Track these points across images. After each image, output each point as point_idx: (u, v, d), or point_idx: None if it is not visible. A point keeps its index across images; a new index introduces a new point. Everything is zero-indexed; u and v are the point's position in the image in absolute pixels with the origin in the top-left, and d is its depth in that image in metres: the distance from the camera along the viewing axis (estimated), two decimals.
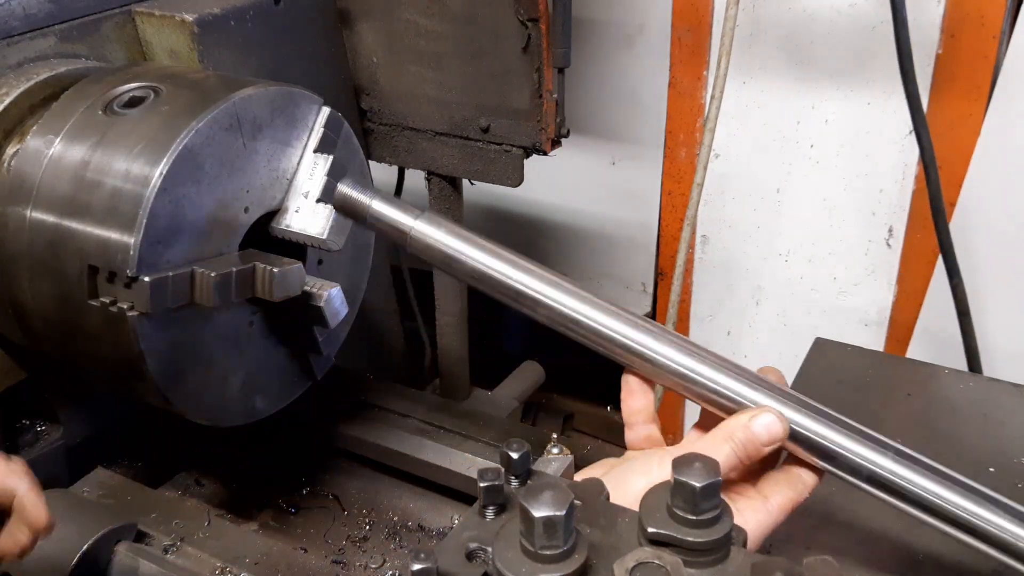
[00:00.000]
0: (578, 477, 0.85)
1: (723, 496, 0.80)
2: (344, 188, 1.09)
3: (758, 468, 0.88)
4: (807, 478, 0.86)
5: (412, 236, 1.03)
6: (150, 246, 1.00)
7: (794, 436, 0.85)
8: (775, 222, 2.01)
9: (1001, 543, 0.82)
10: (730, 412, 0.87)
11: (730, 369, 0.90)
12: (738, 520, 0.81)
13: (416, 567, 0.61)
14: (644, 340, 0.91)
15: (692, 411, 2.31)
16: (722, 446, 0.81)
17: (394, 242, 1.06)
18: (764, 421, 0.81)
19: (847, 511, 1.00)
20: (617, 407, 0.94)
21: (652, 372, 0.91)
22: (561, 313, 0.95)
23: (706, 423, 0.89)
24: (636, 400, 0.89)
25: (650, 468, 0.81)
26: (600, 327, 0.93)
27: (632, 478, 0.81)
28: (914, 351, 1.91)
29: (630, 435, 0.90)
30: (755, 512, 0.84)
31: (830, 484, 1.03)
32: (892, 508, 0.85)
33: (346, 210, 1.08)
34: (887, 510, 0.99)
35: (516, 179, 1.54)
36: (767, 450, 0.81)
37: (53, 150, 1.07)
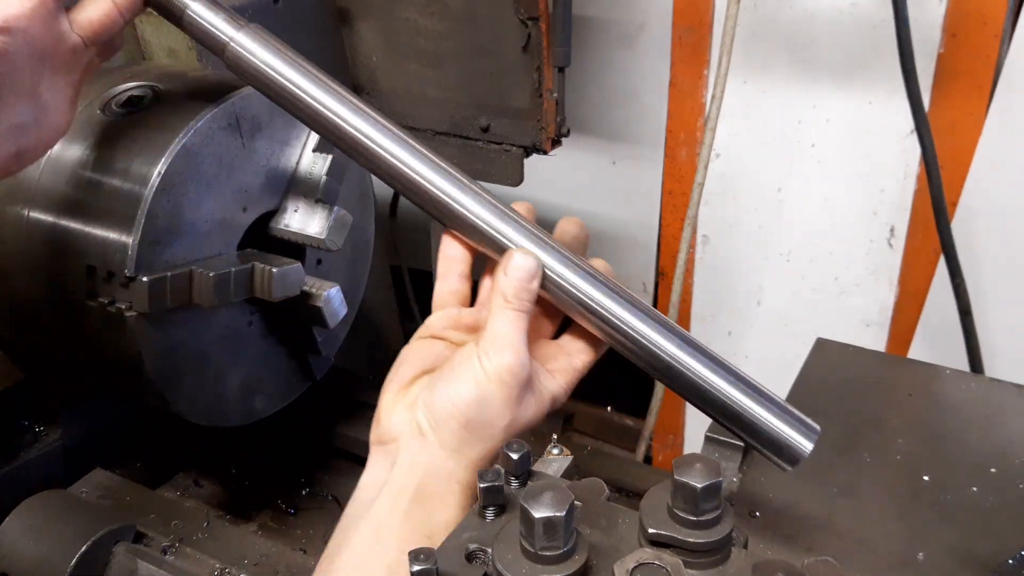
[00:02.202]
0: (392, 395, 0.85)
1: (536, 366, 0.84)
2: None
3: (552, 316, 0.90)
4: (589, 338, 0.88)
5: (231, 49, 0.90)
6: (148, 246, 1.00)
7: (551, 283, 0.85)
8: (776, 222, 2.00)
9: (746, 423, 0.83)
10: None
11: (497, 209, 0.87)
12: (554, 385, 0.85)
13: (416, 568, 0.61)
14: (464, 200, 0.87)
15: (692, 411, 2.30)
16: (505, 312, 0.81)
17: (212, 52, 0.92)
18: (515, 264, 0.82)
19: (848, 512, 0.99)
20: (617, 407, 0.94)
21: (470, 236, 0.88)
22: (383, 160, 0.88)
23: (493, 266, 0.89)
24: (455, 250, 0.88)
25: (473, 371, 0.80)
26: (423, 182, 0.88)
27: (453, 385, 0.81)
28: (916, 351, 1.91)
29: (441, 286, 0.89)
30: (564, 373, 0.87)
31: (831, 485, 1.03)
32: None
33: (160, 7, 0.91)
34: (887, 510, 0.99)
35: (516, 179, 1.54)
36: (534, 286, 0.82)
37: (52, 150, 1.06)
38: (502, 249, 0.86)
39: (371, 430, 0.86)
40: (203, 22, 0.91)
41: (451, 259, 0.89)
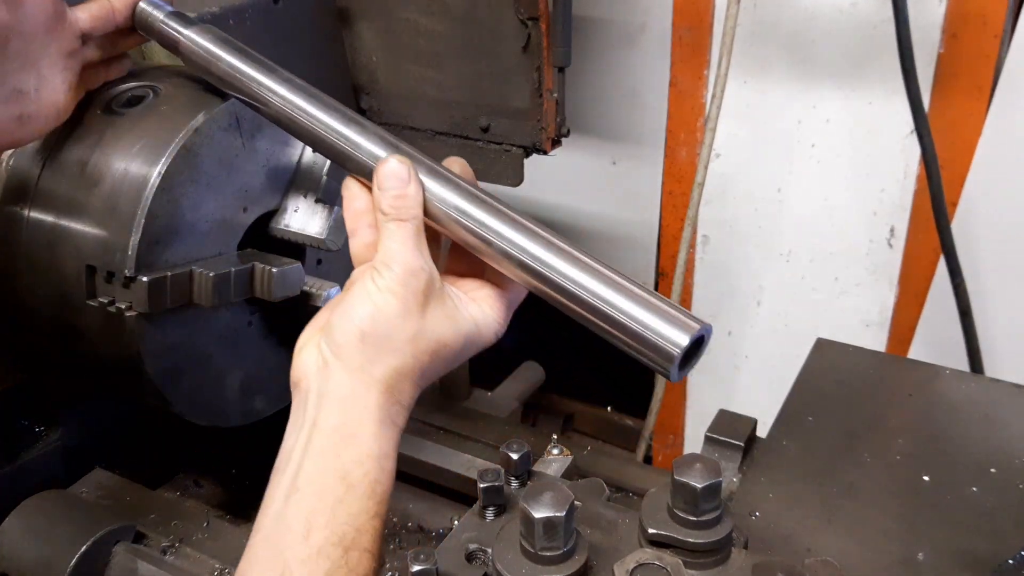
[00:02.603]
0: (306, 333, 0.83)
1: (452, 288, 0.82)
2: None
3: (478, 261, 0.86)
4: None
5: (183, 44, 1.00)
6: (148, 246, 1.00)
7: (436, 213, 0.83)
8: (776, 222, 2.00)
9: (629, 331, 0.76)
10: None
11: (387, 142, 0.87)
12: (476, 310, 0.81)
13: (416, 568, 0.61)
14: (358, 139, 0.87)
15: (692, 411, 2.30)
16: (387, 226, 0.80)
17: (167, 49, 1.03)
18: (386, 171, 0.81)
19: (848, 512, 0.99)
20: (617, 407, 0.93)
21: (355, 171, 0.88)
22: (274, 105, 0.94)
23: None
24: (360, 202, 0.85)
25: (365, 287, 0.79)
26: (318, 128, 0.90)
27: (348, 306, 0.79)
28: (916, 351, 1.91)
29: (354, 243, 0.86)
30: (492, 300, 0.84)
31: (831, 485, 1.03)
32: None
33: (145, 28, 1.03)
34: (887, 510, 0.99)
35: (516, 179, 1.53)
36: (411, 190, 0.80)
37: (51, 149, 1.06)
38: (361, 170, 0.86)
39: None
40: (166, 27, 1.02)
41: (358, 212, 0.85)
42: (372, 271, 0.79)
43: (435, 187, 0.83)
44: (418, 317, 0.78)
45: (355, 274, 0.83)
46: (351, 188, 0.87)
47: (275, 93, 0.94)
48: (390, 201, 0.80)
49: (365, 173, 0.86)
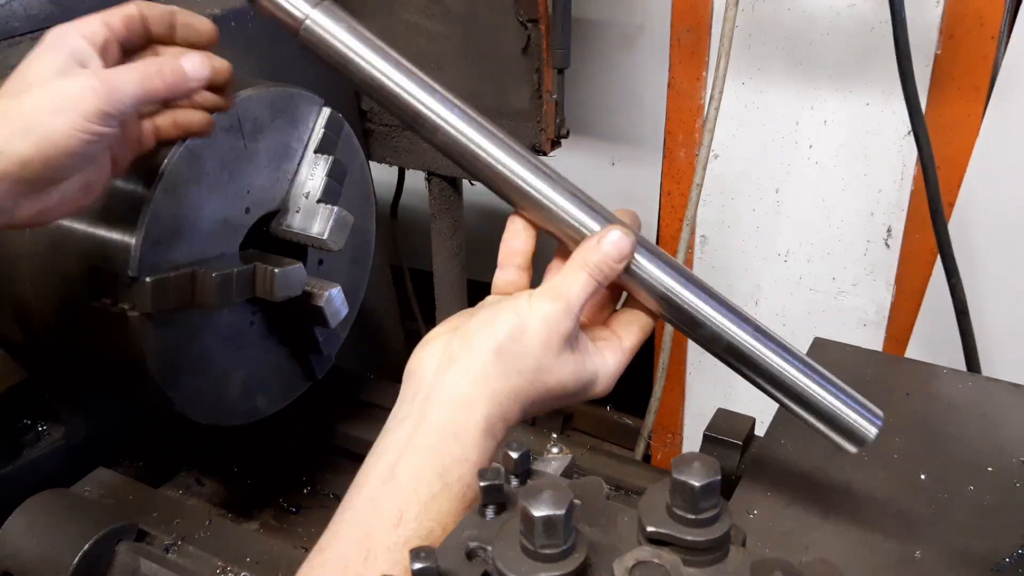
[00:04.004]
0: (436, 331, 0.85)
1: (584, 337, 0.85)
2: None
3: (608, 306, 0.91)
4: (647, 318, 0.90)
5: (306, 27, 0.86)
6: (151, 247, 1.00)
7: (634, 272, 0.87)
8: (774, 222, 2.01)
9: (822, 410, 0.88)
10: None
11: (588, 205, 0.88)
12: (600, 361, 0.85)
13: (416, 566, 0.62)
14: (537, 184, 0.87)
15: (691, 410, 2.31)
16: (579, 273, 0.82)
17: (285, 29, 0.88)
18: (612, 238, 0.83)
19: (846, 511, 1.00)
20: (616, 406, 0.94)
21: (540, 218, 0.88)
22: (460, 143, 0.87)
23: (564, 254, 0.89)
24: (518, 241, 0.88)
25: (517, 305, 0.81)
26: (497, 164, 0.87)
27: (493, 314, 0.81)
28: (913, 351, 1.91)
29: (500, 275, 0.89)
30: (613, 352, 0.87)
31: (829, 483, 1.03)
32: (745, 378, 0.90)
33: None
34: (885, 509, 1.00)
35: None
36: (619, 266, 0.83)
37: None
38: (578, 233, 0.86)
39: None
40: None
41: (513, 251, 0.88)
42: (532, 296, 0.81)
43: (646, 263, 0.87)
44: (553, 354, 0.80)
45: (513, 295, 0.85)
46: (515, 225, 0.89)
47: (457, 129, 0.87)
48: (599, 261, 0.83)
49: (539, 215, 0.87)
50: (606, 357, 0.86)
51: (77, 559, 1.07)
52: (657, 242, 2.19)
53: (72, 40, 0.83)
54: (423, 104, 0.87)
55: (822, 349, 1.26)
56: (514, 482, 0.70)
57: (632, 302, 0.90)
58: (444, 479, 0.75)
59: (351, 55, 0.87)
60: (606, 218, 0.87)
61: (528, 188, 0.87)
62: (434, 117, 0.87)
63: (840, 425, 0.88)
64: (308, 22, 0.86)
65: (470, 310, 0.87)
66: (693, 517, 0.61)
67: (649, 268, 0.86)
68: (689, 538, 0.61)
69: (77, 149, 0.80)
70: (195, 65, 0.88)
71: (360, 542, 0.72)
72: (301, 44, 0.87)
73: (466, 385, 0.78)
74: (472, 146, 0.86)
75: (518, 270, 0.88)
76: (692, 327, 0.87)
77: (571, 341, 0.82)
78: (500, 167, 0.87)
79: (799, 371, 0.88)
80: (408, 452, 0.76)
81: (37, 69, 0.81)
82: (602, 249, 0.83)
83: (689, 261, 2.11)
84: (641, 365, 2.13)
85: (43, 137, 0.78)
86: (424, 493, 0.74)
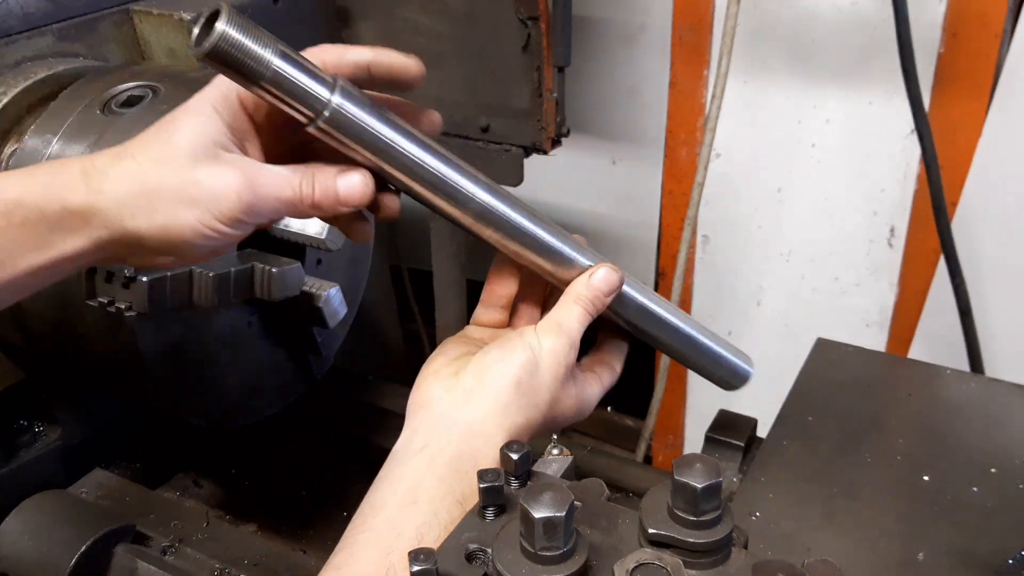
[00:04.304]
0: (437, 363, 0.86)
1: (581, 375, 0.90)
2: (230, 30, 0.70)
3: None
4: (623, 342, 0.96)
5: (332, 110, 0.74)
6: None
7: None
8: (776, 222, 2.00)
9: None
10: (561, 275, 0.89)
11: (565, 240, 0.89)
12: (590, 391, 0.91)
13: (416, 568, 0.61)
14: (538, 233, 0.86)
15: (692, 411, 2.30)
16: (574, 307, 0.86)
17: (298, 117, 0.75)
18: (601, 275, 0.87)
19: (848, 512, 0.99)
20: (617, 408, 0.94)
21: (527, 261, 0.87)
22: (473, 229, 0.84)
23: (503, 262, 0.91)
24: (504, 288, 0.92)
25: (527, 341, 0.84)
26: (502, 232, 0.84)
27: (506, 351, 0.84)
28: (916, 351, 1.91)
29: (482, 312, 0.93)
30: (600, 381, 0.93)
31: (831, 485, 1.03)
32: None
33: (229, 62, 0.71)
34: (888, 510, 0.99)
35: (516, 178, 1.53)
36: (609, 299, 0.88)
37: (51, 149, 1.06)
38: (565, 271, 0.88)
39: (410, 396, 0.86)
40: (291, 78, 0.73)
41: (498, 296, 0.92)
42: (539, 331, 0.85)
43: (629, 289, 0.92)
44: (561, 386, 0.85)
45: (517, 331, 0.86)
46: (501, 272, 0.91)
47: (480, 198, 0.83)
48: (591, 296, 0.87)
49: (530, 260, 0.87)
50: (594, 386, 0.91)
51: (74, 561, 1.07)
52: (659, 242, 2.18)
53: (228, 112, 0.76)
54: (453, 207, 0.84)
55: (824, 350, 1.26)
56: (514, 484, 0.69)
57: (606, 330, 0.96)
58: (463, 506, 0.76)
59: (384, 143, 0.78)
60: (583, 255, 0.89)
61: (531, 239, 0.87)
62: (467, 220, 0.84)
63: (726, 366, 0.98)
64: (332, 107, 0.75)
65: (462, 338, 0.91)
66: (694, 519, 0.60)
67: (632, 299, 0.92)
68: (691, 540, 0.60)
69: (201, 243, 0.76)
70: (350, 187, 0.78)
71: (380, 561, 0.74)
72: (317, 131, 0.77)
73: (486, 418, 0.81)
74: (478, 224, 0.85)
75: (501, 310, 0.93)
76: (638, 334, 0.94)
77: (573, 372, 0.87)
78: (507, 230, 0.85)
79: (686, 321, 0.95)
80: (427, 480, 0.78)
81: (179, 140, 0.74)
82: (594, 285, 0.87)
83: (691, 261, 2.11)
84: (642, 366, 2.13)
85: (167, 226, 0.74)
86: (445, 518, 0.76)
